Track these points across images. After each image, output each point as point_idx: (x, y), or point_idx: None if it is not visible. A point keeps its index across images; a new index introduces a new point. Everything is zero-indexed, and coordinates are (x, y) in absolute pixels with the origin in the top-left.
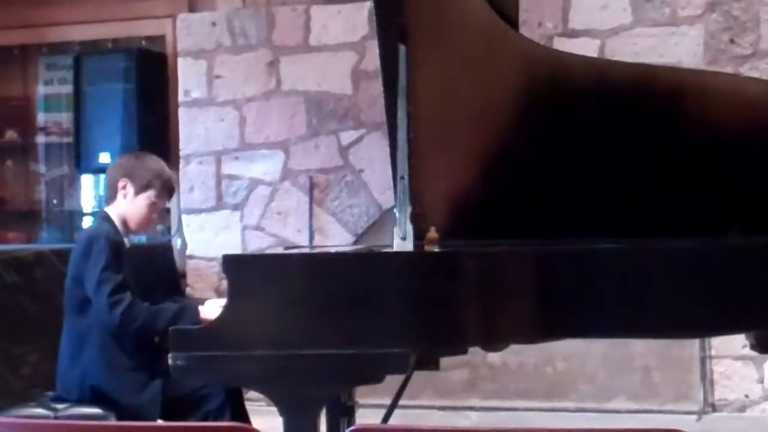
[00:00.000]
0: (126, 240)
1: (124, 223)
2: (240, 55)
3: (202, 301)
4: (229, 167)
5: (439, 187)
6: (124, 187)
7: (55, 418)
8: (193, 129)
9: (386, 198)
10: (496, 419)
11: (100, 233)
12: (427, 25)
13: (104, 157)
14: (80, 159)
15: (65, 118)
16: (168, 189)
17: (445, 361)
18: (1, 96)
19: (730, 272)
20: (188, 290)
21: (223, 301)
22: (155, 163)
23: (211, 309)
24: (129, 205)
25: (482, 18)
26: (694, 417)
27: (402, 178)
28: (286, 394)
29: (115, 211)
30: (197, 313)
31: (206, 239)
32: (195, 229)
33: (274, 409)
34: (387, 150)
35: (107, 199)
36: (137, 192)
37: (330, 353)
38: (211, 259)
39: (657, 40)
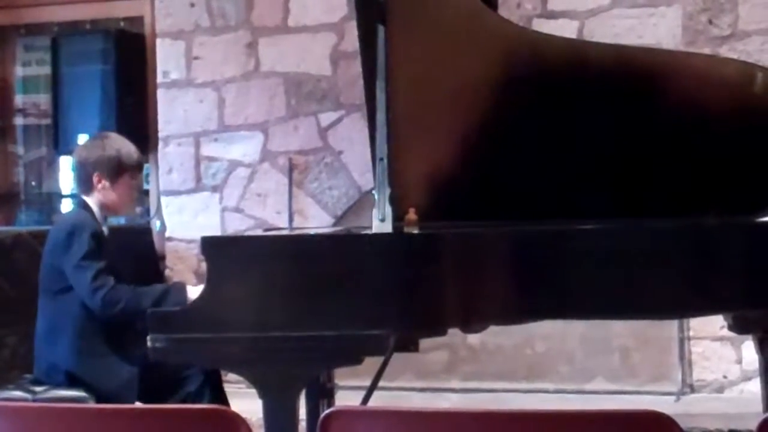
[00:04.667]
0: (105, 228)
1: (105, 209)
2: (219, 36)
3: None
4: (208, 149)
5: (418, 168)
6: (99, 181)
7: (34, 400)
8: (172, 110)
9: (366, 179)
10: (475, 401)
11: (82, 223)
12: (405, 5)
13: (83, 139)
14: (59, 141)
15: (43, 99)
16: (139, 166)
17: (424, 342)
18: None
19: (708, 253)
20: (167, 272)
21: None
22: (119, 144)
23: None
24: (109, 195)
25: None
26: (673, 398)
27: (381, 159)
28: (265, 376)
29: (94, 200)
30: (184, 292)
31: (185, 221)
32: (174, 211)
33: (253, 391)
34: (366, 131)
35: (83, 190)
36: (113, 181)
37: (309, 335)
38: (190, 241)
39: (635, 21)
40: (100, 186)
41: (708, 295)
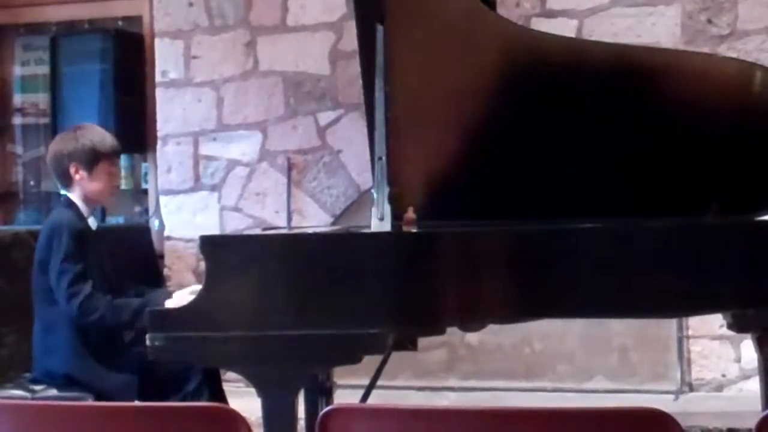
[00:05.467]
0: (92, 220)
1: (90, 201)
2: (217, 36)
3: (170, 294)
4: (206, 148)
5: (416, 167)
6: (76, 172)
7: (33, 399)
8: (171, 110)
9: (364, 179)
10: (474, 399)
11: (61, 223)
12: (404, 4)
13: None
14: None
15: (42, 98)
16: (115, 151)
17: (423, 341)
18: None
19: (708, 252)
20: (166, 271)
21: (193, 289)
22: (90, 133)
23: (179, 300)
24: (89, 186)
25: None
26: (672, 396)
27: (380, 158)
28: (264, 375)
29: (76, 194)
30: (163, 306)
31: (184, 220)
32: (173, 210)
33: (252, 390)
34: (365, 130)
35: (64, 186)
36: (90, 171)
37: (308, 334)
38: (188, 240)
39: (634, 20)
40: (78, 177)
41: (707, 293)
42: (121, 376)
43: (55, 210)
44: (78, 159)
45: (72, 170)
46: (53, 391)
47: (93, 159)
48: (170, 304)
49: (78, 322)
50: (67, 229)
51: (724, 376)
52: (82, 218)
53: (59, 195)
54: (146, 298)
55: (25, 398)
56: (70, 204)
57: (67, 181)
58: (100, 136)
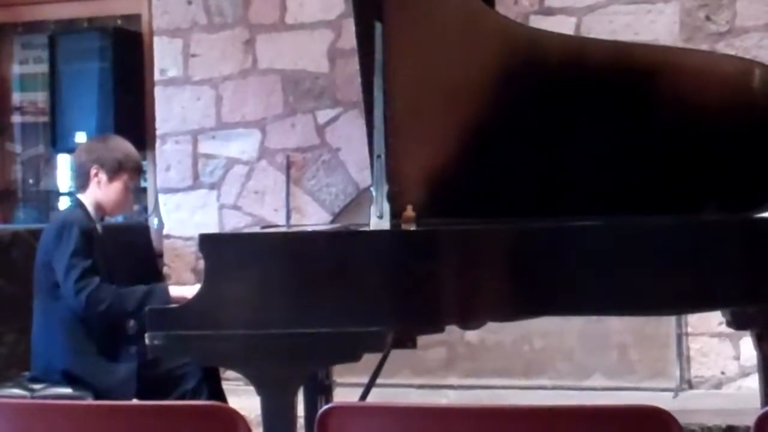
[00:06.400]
0: (98, 226)
1: (99, 208)
2: (216, 34)
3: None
4: (205, 146)
5: (415, 165)
6: (96, 174)
7: (32, 398)
8: (170, 108)
9: (363, 177)
10: (473, 397)
11: (72, 220)
12: (403, 2)
13: (80, 137)
14: (56, 138)
15: (41, 97)
16: (139, 169)
17: (422, 339)
18: None
19: (707, 249)
20: (165, 270)
21: (197, 287)
22: (122, 144)
23: (185, 289)
24: (104, 191)
25: None
26: (671, 394)
27: (379, 156)
28: (263, 373)
29: (89, 197)
30: (167, 293)
31: (183, 219)
32: (172, 209)
33: (251, 388)
34: (364, 128)
35: (79, 186)
36: (111, 178)
37: (307, 332)
38: (188, 239)
39: (633, 17)
40: (96, 180)
41: (706, 291)
42: (121, 373)
43: (66, 208)
44: (101, 163)
45: (92, 171)
46: (52, 390)
47: (116, 167)
48: (175, 292)
49: (84, 314)
50: (78, 225)
51: (723, 373)
52: (91, 220)
53: (58, 194)
54: (151, 286)
55: (25, 397)
56: (81, 205)
57: (83, 182)
58: (129, 149)
